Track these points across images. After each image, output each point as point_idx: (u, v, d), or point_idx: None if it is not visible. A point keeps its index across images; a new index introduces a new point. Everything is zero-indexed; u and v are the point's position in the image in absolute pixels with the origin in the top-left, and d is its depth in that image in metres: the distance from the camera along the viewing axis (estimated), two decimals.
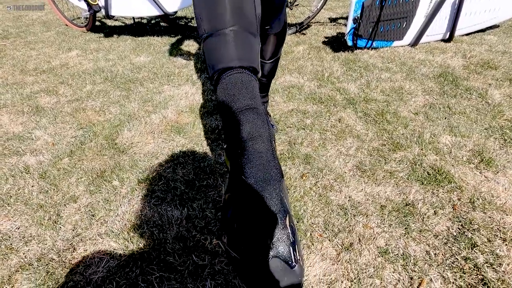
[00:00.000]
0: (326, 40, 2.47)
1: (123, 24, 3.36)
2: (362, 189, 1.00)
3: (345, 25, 2.85)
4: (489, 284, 0.72)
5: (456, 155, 1.13)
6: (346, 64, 1.97)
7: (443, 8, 2.10)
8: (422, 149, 1.16)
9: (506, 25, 2.58)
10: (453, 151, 1.15)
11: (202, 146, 1.25)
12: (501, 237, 0.82)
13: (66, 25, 3.37)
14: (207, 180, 1.06)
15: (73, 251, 0.84)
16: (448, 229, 0.87)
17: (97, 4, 2.58)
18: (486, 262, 0.77)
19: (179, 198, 1.00)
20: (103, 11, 2.62)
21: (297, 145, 1.22)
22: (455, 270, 0.76)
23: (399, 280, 0.75)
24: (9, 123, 1.46)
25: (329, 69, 1.90)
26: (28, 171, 1.14)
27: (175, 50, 2.40)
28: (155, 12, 2.51)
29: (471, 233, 0.84)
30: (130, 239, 0.85)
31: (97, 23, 3.42)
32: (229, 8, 0.62)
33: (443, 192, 0.98)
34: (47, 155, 1.22)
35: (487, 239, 0.82)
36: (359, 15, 1.97)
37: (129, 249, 0.83)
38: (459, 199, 0.95)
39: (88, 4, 2.60)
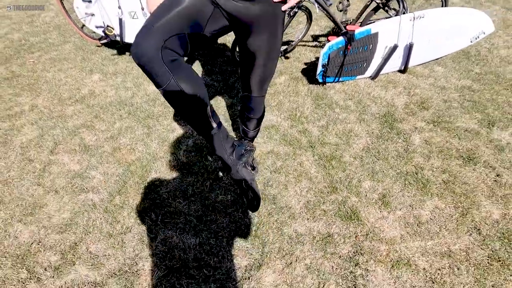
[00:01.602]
0: (305, 67, 3.01)
1: None
2: (304, 224, 1.66)
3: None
4: (357, 286, 1.40)
5: (369, 197, 1.78)
6: (315, 101, 2.55)
7: (396, 50, 2.62)
8: (349, 192, 1.80)
9: (455, 52, 3.09)
10: (368, 194, 1.80)
11: (205, 186, 1.88)
12: (373, 259, 1.49)
13: (80, 35, 3.82)
14: (210, 216, 1.71)
15: (137, 265, 1.51)
16: (348, 253, 1.53)
17: (113, 34, 3.07)
18: (360, 274, 1.44)
19: (193, 229, 1.65)
20: (117, 38, 3.12)
21: (268, 187, 1.85)
22: (343, 278, 1.43)
23: (312, 284, 1.42)
24: (69, 162, 2.08)
25: (302, 106, 2.48)
26: (95, 207, 1.78)
27: None
28: None
29: (358, 255, 1.51)
30: (168, 258, 1.52)
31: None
32: None
33: (352, 226, 1.64)
34: (104, 193, 1.86)
35: (366, 260, 1.49)
36: (326, 63, 2.51)
37: (168, 265, 1.50)
38: (360, 232, 1.61)
39: (105, 33, 3.09)
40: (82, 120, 2.45)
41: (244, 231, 1.62)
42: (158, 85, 1.06)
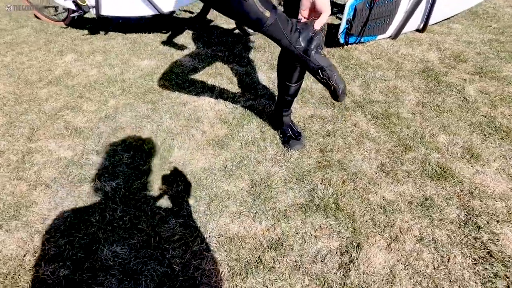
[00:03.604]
0: None
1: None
2: (391, 189, 1.30)
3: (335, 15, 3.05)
4: (493, 255, 1.07)
5: (452, 152, 1.47)
6: (341, 62, 2.22)
7: (420, 4, 2.37)
8: (426, 149, 1.48)
9: (466, 11, 2.93)
10: (449, 149, 1.48)
11: (249, 159, 1.47)
12: (495, 220, 1.17)
13: (37, 17, 3.22)
14: (267, 193, 1.31)
15: (189, 265, 1.06)
16: (458, 216, 1.20)
17: (86, 4, 2.54)
18: (489, 239, 1.11)
19: (252, 211, 1.24)
20: (92, 11, 2.59)
21: (328, 152, 1.48)
22: (469, 247, 1.10)
23: (434, 259, 1.07)
24: (57, 148, 1.57)
25: None
26: (108, 197, 1.30)
27: (173, 50, 2.48)
28: (149, 12, 2.54)
29: (475, 218, 1.18)
30: (233, 252, 1.09)
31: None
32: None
33: (448, 185, 1.32)
34: (116, 180, 1.38)
35: (487, 221, 1.17)
36: (351, 17, 2.20)
37: (235, 260, 1.07)
38: (461, 191, 1.29)
39: (77, 5, 2.56)
40: (63, 102, 1.93)
41: (320, 206, 1.24)
42: None
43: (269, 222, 1.19)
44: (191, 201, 1.28)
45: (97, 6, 2.53)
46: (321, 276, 1.03)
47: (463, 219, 1.19)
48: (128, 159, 1.50)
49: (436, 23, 2.74)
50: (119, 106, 1.86)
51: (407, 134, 1.57)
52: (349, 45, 2.41)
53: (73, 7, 2.60)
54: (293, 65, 1.38)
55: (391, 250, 1.09)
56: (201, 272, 1.05)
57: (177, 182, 1.36)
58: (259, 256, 1.08)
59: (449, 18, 2.80)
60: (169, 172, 1.42)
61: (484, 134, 1.56)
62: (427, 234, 1.14)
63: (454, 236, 1.13)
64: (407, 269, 1.04)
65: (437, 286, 1.00)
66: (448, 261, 1.06)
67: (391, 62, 2.21)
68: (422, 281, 1.01)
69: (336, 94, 1.04)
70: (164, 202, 1.28)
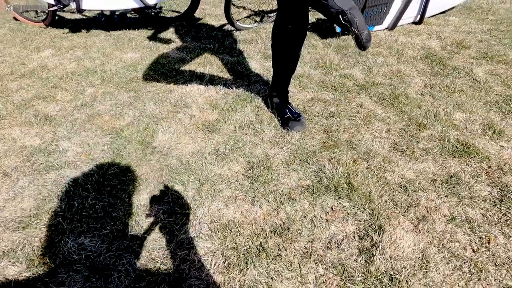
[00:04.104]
0: (314, 21, 2.57)
1: (85, 17, 3.13)
2: (410, 167, 1.13)
3: None
4: None
5: (471, 129, 1.31)
6: (339, 51, 2.09)
7: None
8: (443, 127, 1.32)
9: (460, 6, 2.87)
10: (467, 126, 1.33)
11: (243, 142, 1.29)
12: None
13: (16, 19, 3.04)
14: (266, 175, 1.12)
15: (175, 257, 0.86)
16: (491, 193, 1.03)
17: None
18: None
19: (249, 194, 1.04)
20: (72, 5, 2.43)
21: (334, 132, 1.31)
22: (510, 226, 0.92)
23: (471, 241, 0.89)
24: (23, 136, 1.36)
25: (326, 56, 2.00)
26: (79, 184, 1.09)
27: (159, 44, 2.32)
28: (133, 4, 2.39)
29: (511, 194, 1.01)
30: (225, 238, 0.89)
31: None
32: None
33: (474, 162, 1.15)
34: (89, 166, 1.18)
35: None
36: None
37: (229, 248, 0.87)
38: (489, 167, 1.12)
39: None
40: (34, 92, 1.73)
41: (330, 186, 1.05)
42: None
43: (271, 206, 1.00)
44: (177, 187, 1.08)
45: (77, 1, 2.37)
46: (338, 263, 0.83)
47: (497, 197, 1.01)
48: (104, 144, 1.30)
49: (432, 16, 2.66)
50: (97, 95, 1.67)
51: (419, 113, 1.42)
52: (345, 35, 2.29)
53: (51, 1, 2.44)
54: (291, 33, 1.23)
55: (420, 231, 0.91)
56: (189, 264, 0.84)
57: (161, 167, 1.16)
58: (261, 243, 0.88)
59: (444, 11, 2.73)
60: (151, 156, 1.22)
61: (502, 112, 1.42)
62: (459, 214, 0.96)
63: (490, 215, 0.95)
64: (442, 252, 0.85)
65: (481, 270, 0.81)
66: (488, 243, 0.88)
67: (391, 49, 2.09)
68: (462, 265, 0.82)
69: (359, 42, 0.90)
70: (145, 188, 1.08)
